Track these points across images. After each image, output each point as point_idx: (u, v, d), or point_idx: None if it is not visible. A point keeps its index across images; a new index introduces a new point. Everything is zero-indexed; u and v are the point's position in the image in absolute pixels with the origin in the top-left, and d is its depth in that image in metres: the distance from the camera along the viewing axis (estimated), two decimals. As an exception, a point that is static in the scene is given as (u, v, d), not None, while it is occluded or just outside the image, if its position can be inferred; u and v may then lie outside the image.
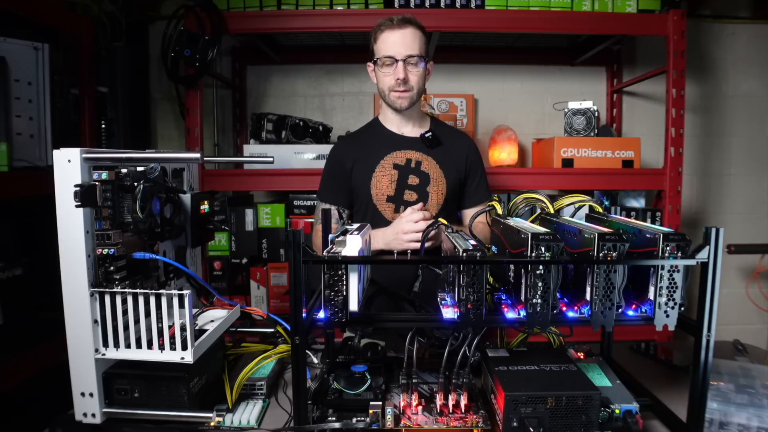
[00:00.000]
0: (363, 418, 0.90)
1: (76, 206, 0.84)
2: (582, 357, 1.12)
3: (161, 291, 0.86)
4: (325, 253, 0.85)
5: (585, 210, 1.11)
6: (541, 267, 0.79)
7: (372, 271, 1.20)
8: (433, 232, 1.31)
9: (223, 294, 1.32)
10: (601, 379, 1.00)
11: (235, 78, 2.68)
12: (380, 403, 0.91)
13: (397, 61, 1.47)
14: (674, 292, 0.81)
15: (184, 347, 0.86)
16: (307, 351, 1.02)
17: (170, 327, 0.87)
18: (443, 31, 2.18)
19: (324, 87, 2.75)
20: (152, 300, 0.86)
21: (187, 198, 1.08)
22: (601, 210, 1.08)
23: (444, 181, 1.56)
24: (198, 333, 0.93)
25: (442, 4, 2.11)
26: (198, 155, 0.95)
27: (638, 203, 2.44)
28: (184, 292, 0.85)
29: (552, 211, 1.09)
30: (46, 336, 1.65)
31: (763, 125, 2.79)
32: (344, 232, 0.94)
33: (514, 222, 0.96)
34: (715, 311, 0.81)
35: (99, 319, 0.87)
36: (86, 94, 2.09)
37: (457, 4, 2.11)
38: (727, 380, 0.99)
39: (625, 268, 0.81)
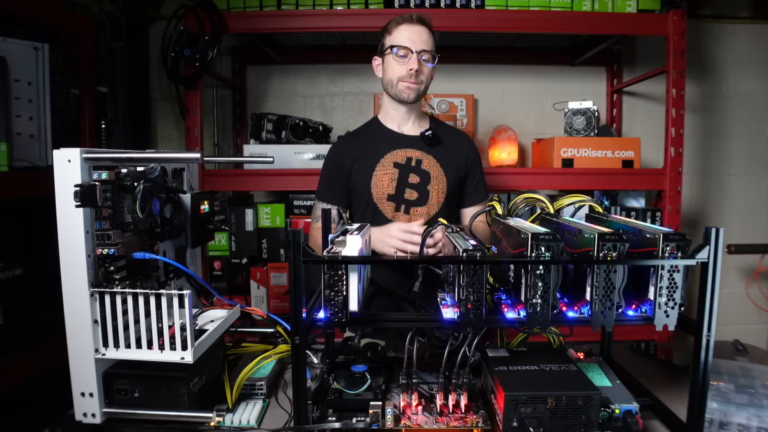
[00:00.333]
0: (363, 418, 0.90)
1: (76, 206, 0.84)
2: (582, 357, 1.12)
3: (161, 291, 0.86)
4: (325, 253, 0.85)
5: (585, 210, 1.11)
6: (541, 267, 0.79)
7: (372, 271, 1.20)
8: (438, 236, 1.29)
9: (223, 294, 1.32)
10: (601, 379, 1.00)
11: (235, 78, 2.68)
12: (380, 403, 0.91)
13: (412, 52, 1.48)
14: (674, 292, 0.81)
15: (184, 347, 0.86)
16: (307, 351, 1.02)
17: (170, 327, 0.87)
18: (443, 31, 2.18)
19: (324, 87, 2.75)
20: (152, 300, 0.86)
21: (187, 198, 1.08)
22: (601, 210, 1.08)
23: (444, 180, 1.56)
24: (198, 333, 0.93)
25: (442, 4, 2.11)
26: (198, 155, 0.95)
27: (638, 203, 2.44)
28: (184, 292, 0.85)
29: (552, 211, 1.09)
30: (46, 336, 1.65)
31: (763, 125, 2.79)
32: (344, 232, 0.94)
33: (514, 222, 0.96)
34: (715, 311, 0.81)
35: (99, 319, 0.87)
36: (86, 94, 2.09)
37: (457, 4, 2.11)
38: (727, 380, 0.99)
39: (625, 268, 0.81)
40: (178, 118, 2.63)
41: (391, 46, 1.51)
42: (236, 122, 2.73)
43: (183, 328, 0.86)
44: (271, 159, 1.20)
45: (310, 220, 2.22)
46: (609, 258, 0.79)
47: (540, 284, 0.80)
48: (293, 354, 0.84)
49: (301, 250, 0.81)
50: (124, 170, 0.90)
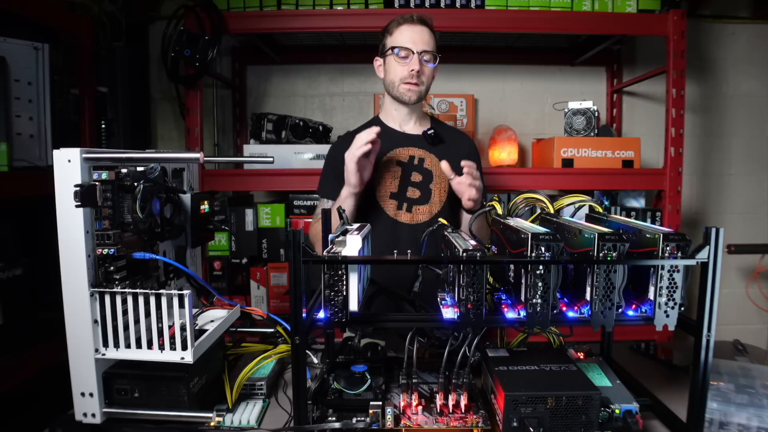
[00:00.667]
0: (363, 418, 0.90)
1: (76, 206, 0.83)
2: (582, 357, 1.12)
3: (161, 291, 0.86)
4: (325, 253, 0.85)
5: (585, 210, 1.11)
6: (541, 267, 0.79)
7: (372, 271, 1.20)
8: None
9: (223, 294, 1.32)
10: (601, 379, 1.00)
11: (235, 78, 2.68)
12: (380, 403, 0.91)
13: (413, 53, 1.48)
14: (674, 292, 0.81)
15: (184, 347, 0.86)
16: (307, 351, 1.02)
17: (170, 327, 0.87)
18: (443, 31, 2.18)
19: (324, 87, 2.75)
20: (152, 300, 0.86)
21: (187, 198, 1.08)
22: (601, 210, 1.08)
23: (446, 179, 1.56)
24: (198, 333, 0.93)
25: (442, 4, 2.11)
26: (198, 155, 0.95)
27: (638, 203, 2.44)
28: (184, 292, 0.85)
29: (552, 211, 1.09)
30: (46, 336, 1.65)
31: (763, 125, 2.79)
32: (344, 232, 0.94)
33: (514, 222, 0.96)
34: (715, 311, 0.81)
35: (99, 319, 0.87)
36: (86, 94, 2.09)
37: (457, 4, 2.11)
38: (727, 380, 0.99)
39: (625, 268, 0.81)
40: (178, 118, 2.63)
41: (393, 48, 1.51)
42: (236, 122, 2.73)
43: (183, 328, 0.86)
44: (271, 159, 1.20)
45: (309, 220, 2.23)
46: (609, 258, 0.79)
47: (540, 284, 0.80)
48: (293, 354, 0.84)
49: (301, 250, 0.81)
50: (124, 170, 0.90)
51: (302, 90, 2.75)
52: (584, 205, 1.09)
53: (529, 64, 2.72)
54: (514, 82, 2.75)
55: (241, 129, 2.72)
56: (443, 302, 0.92)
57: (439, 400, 0.92)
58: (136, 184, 0.89)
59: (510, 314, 0.86)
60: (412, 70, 1.48)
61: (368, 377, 0.98)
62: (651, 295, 0.83)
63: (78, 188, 0.83)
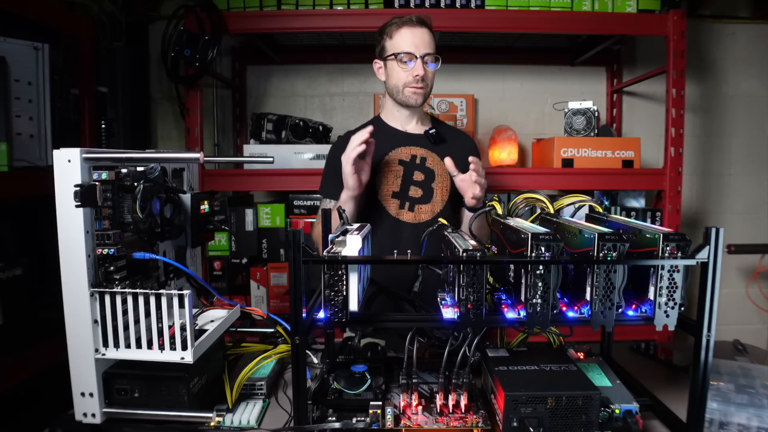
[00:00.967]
0: (363, 418, 0.90)
1: (76, 206, 0.84)
2: (582, 357, 1.12)
3: (161, 291, 0.86)
4: (325, 253, 0.85)
5: (585, 210, 1.11)
6: (541, 267, 0.79)
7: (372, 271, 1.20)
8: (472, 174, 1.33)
9: (223, 294, 1.32)
10: (601, 379, 1.00)
11: (235, 78, 2.68)
12: (380, 403, 0.91)
13: (416, 57, 1.48)
14: (674, 292, 0.81)
15: (184, 347, 0.86)
16: (307, 351, 1.02)
17: (170, 327, 0.87)
18: (443, 31, 2.18)
19: (324, 87, 2.75)
20: (152, 300, 0.86)
21: (187, 198, 1.08)
22: (601, 210, 1.08)
23: (448, 178, 1.56)
24: (198, 333, 0.93)
25: (442, 4, 2.11)
26: (198, 155, 0.95)
27: (638, 203, 2.44)
28: (184, 292, 0.85)
29: (552, 211, 1.09)
30: (46, 336, 1.65)
31: (763, 125, 2.79)
32: (344, 232, 0.94)
33: (514, 222, 0.96)
34: (715, 311, 0.81)
35: (99, 319, 0.87)
36: (86, 94, 2.08)
37: (457, 4, 2.11)
38: (727, 380, 0.99)
39: (625, 268, 0.81)
40: (178, 118, 2.63)
41: (395, 54, 1.50)
42: (236, 122, 2.73)
43: (183, 328, 0.86)
44: (271, 159, 1.20)
45: (309, 219, 2.24)
46: (609, 258, 0.79)
47: (540, 284, 0.80)
48: (293, 354, 0.84)
49: (301, 250, 0.81)
50: (124, 170, 0.90)
51: (302, 90, 2.75)
52: (584, 205, 1.09)
53: (529, 64, 2.72)
54: (514, 82, 2.75)
55: (241, 129, 2.72)
56: (443, 302, 0.92)
57: (439, 400, 0.92)
58: (136, 184, 0.89)
59: (510, 314, 0.86)
60: (417, 75, 1.48)
61: (368, 377, 0.98)
62: (651, 295, 0.83)
63: (78, 188, 0.83)
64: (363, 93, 2.74)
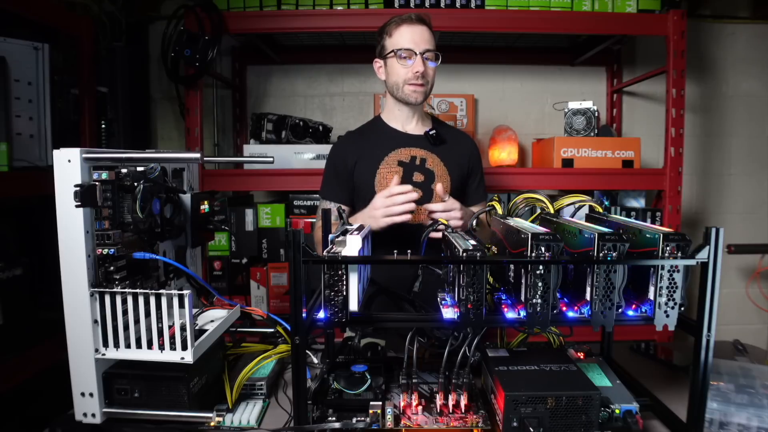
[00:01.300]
0: (363, 418, 0.90)
1: (76, 206, 0.84)
2: (582, 357, 1.12)
3: (161, 291, 0.86)
4: (325, 253, 0.85)
5: (585, 210, 1.11)
6: (541, 267, 0.79)
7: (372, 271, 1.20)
8: (437, 234, 1.30)
9: (223, 294, 1.32)
10: (601, 379, 1.00)
11: (235, 78, 2.68)
12: (380, 403, 0.91)
13: (416, 54, 1.48)
14: (674, 292, 0.81)
15: (184, 347, 0.86)
16: (307, 351, 1.02)
17: (170, 327, 0.87)
18: (443, 31, 2.18)
19: (324, 87, 2.75)
20: (152, 300, 0.86)
21: (187, 198, 1.08)
22: (601, 210, 1.08)
23: (448, 179, 1.56)
24: (198, 333, 0.93)
25: (442, 4, 2.11)
26: (198, 155, 0.95)
27: (638, 203, 2.44)
28: (184, 292, 0.85)
29: (552, 211, 1.09)
30: (46, 336, 1.65)
31: (763, 125, 2.79)
32: (344, 232, 0.94)
33: (514, 222, 0.96)
34: (715, 311, 0.81)
35: (99, 319, 0.87)
36: (86, 94, 2.09)
37: (457, 4, 2.11)
38: (727, 380, 0.99)
39: (625, 268, 0.81)
40: (178, 118, 2.63)
41: (395, 50, 1.50)
42: (236, 122, 2.73)
43: (183, 328, 0.86)
44: (271, 159, 1.20)
45: (309, 220, 2.24)
46: (609, 258, 0.79)
47: (540, 284, 0.80)
48: (293, 354, 0.84)
49: (301, 250, 0.81)
50: (124, 170, 0.90)
51: (302, 90, 2.75)
52: (584, 205, 1.09)
53: (529, 64, 2.72)
54: (514, 82, 2.75)
55: (241, 129, 2.72)
56: (443, 302, 0.92)
57: (439, 400, 0.92)
58: (136, 184, 0.89)
59: (510, 314, 0.86)
60: (417, 72, 1.48)
61: (368, 377, 0.98)
62: (651, 295, 0.83)
63: (78, 188, 0.83)
64: (363, 93, 2.74)
